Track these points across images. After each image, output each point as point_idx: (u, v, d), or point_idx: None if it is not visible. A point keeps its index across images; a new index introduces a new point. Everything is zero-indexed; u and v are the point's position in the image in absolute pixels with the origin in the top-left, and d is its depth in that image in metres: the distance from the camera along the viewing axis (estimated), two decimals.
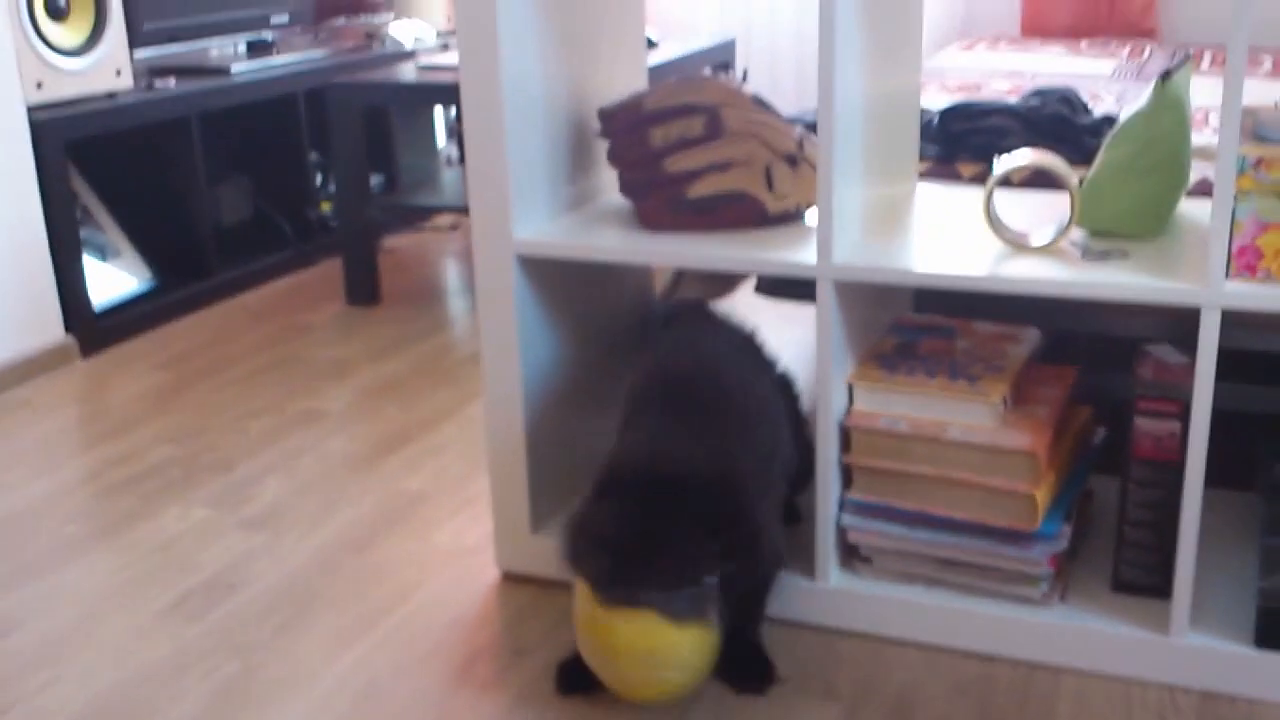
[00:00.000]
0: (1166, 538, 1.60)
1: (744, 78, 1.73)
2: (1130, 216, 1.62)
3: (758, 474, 1.55)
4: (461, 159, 4.11)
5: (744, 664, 1.60)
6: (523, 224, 1.71)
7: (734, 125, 1.71)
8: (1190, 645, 1.54)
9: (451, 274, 3.50)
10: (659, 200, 1.72)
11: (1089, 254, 1.56)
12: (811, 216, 1.77)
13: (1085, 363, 1.90)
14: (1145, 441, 1.58)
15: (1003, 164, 1.60)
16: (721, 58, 3.60)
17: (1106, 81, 3.11)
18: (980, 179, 2.01)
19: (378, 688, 1.62)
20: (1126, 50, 3.70)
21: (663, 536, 1.43)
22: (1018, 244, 1.58)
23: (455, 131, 4.08)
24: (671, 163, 1.71)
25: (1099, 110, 2.39)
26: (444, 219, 4.05)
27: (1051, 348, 1.95)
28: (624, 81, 1.96)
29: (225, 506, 2.14)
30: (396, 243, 3.82)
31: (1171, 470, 1.57)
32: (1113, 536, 1.78)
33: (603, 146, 1.91)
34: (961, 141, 2.08)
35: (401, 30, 3.90)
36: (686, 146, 1.71)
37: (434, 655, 1.68)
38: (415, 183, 3.69)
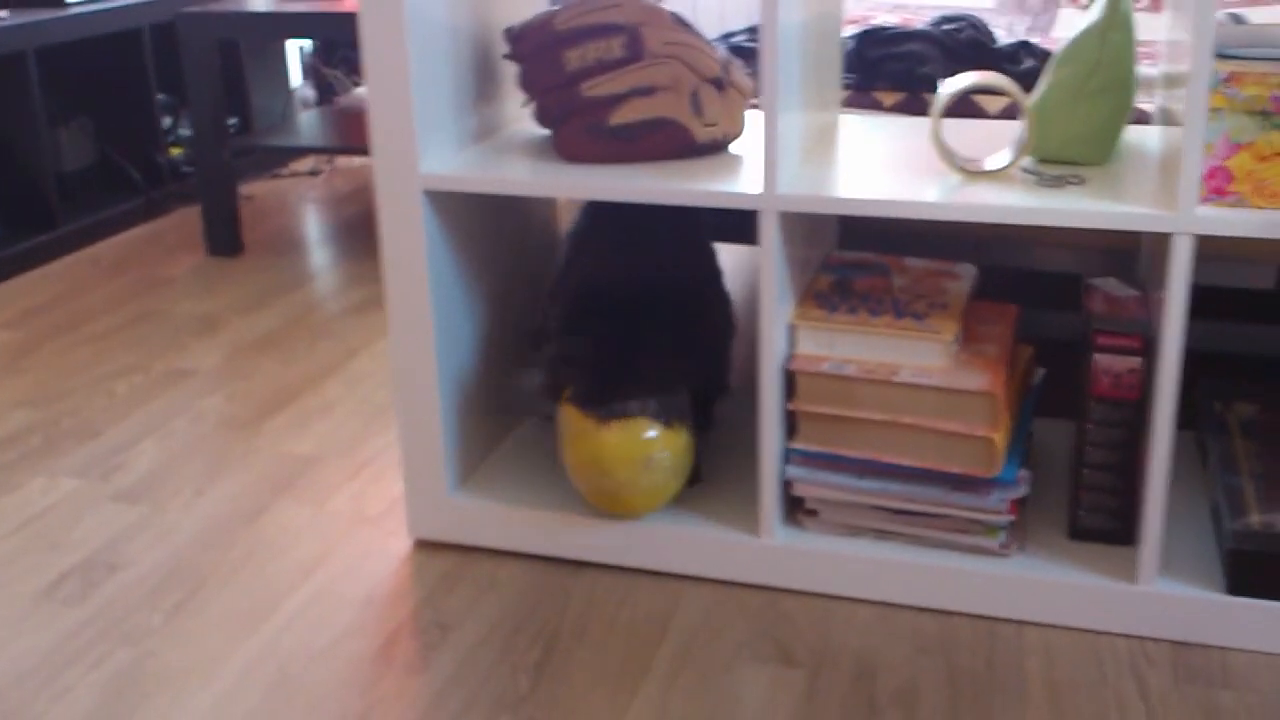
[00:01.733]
0: (1127, 481, 1.53)
1: None
2: (1080, 141, 1.53)
3: (714, 290, 1.70)
4: (320, 99, 3.89)
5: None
6: (429, 158, 1.56)
7: (654, 46, 1.58)
8: (1159, 593, 1.47)
9: (316, 222, 3.29)
10: (577, 128, 1.58)
11: (1044, 180, 1.47)
12: (738, 146, 1.65)
13: (1014, 300, 1.82)
14: (1104, 379, 1.50)
15: (949, 86, 1.50)
16: None
17: (991, 15, 3.04)
18: (904, 108, 1.91)
19: (290, 675, 1.47)
20: None
21: (643, 350, 1.57)
22: (971, 170, 1.48)
23: (311, 70, 3.86)
24: (589, 87, 1.57)
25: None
26: (303, 164, 3.83)
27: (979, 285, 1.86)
28: (527, 1, 1.80)
29: (95, 476, 1.94)
30: (254, 189, 3.59)
31: (1131, 408, 1.50)
32: (1060, 482, 1.71)
33: (508, 71, 1.76)
34: (878, 68, 1.97)
35: None
36: (605, 70, 1.57)
37: (349, 636, 1.54)
38: (270, 126, 3.47)
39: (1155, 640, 1.48)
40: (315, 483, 1.91)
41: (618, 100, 1.56)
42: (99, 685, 1.45)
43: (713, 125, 1.59)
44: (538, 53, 1.58)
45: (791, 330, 1.56)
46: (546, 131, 1.74)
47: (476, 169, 1.55)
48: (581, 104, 1.57)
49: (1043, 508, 1.65)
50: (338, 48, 4.08)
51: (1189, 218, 1.33)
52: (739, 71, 1.63)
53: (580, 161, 1.58)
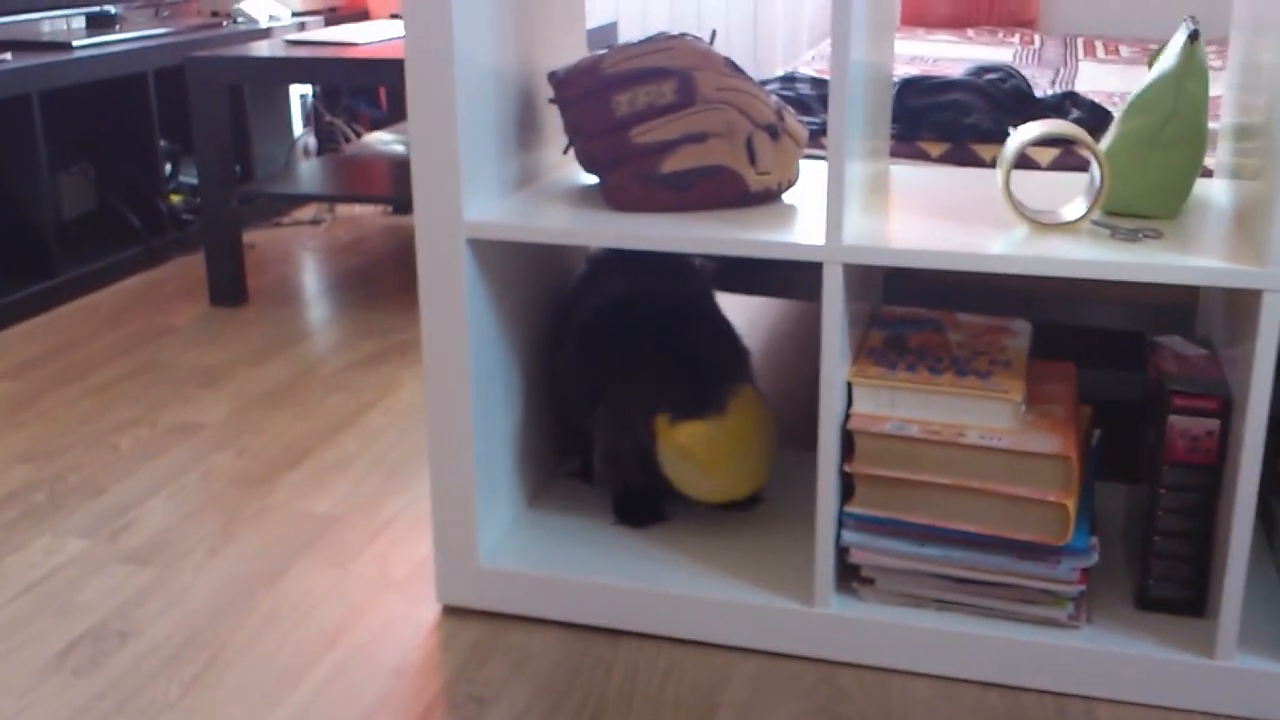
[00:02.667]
0: (1200, 549, 1.45)
1: (712, 39, 1.53)
2: (1152, 194, 1.47)
3: (717, 311, 1.74)
4: (320, 150, 3.82)
5: None
6: (472, 205, 1.49)
7: (707, 92, 1.51)
8: (1239, 668, 1.39)
9: (319, 271, 3.22)
10: (627, 175, 1.51)
11: (1119, 233, 1.40)
12: (791, 195, 1.58)
13: (1060, 357, 1.76)
14: (1180, 442, 1.43)
15: (1020, 135, 1.43)
16: (604, 41, 3.39)
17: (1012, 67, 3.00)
18: (950, 158, 1.85)
19: None
20: (1016, 38, 3.62)
21: (698, 336, 1.64)
22: (1043, 222, 1.41)
23: (312, 118, 3.79)
24: (639, 133, 1.51)
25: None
26: (304, 212, 3.76)
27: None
28: (568, 46, 1.74)
29: (102, 536, 1.85)
30: (255, 238, 3.51)
31: (1208, 473, 1.43)
32: (1117, 549, 1.63)
33: (547, 117, 1.69)
34: (922, 118, 1.91)
35: (255, 8, 3.59)
36: (656, 115, 1.51)
37: (380, 709, 1.44)
38: (272, 175, 3.39)
39: (1234, 718, 1.40)
40: (336, 543, 1.82)
41: (669, 147, 1.50)
42: None
43: (766, 174, 1.52)
44: (585, 97, 1.52)
45: (849, 388, 1.48)
46: (587, 179, 1.67)
47: (521, 217, 1.48)
48: (631, 150, 1.50)
49: (1103, 576, 1.57)
50: (341, 97, 4.02)
51: None
52: (793, 118, 1.56)
53: (630, 210, 1.51)
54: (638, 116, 1.51)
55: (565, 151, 1.63)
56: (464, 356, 1.51)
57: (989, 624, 1.47)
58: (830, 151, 1.35)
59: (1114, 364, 1.85)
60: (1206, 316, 1.66)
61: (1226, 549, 1.36)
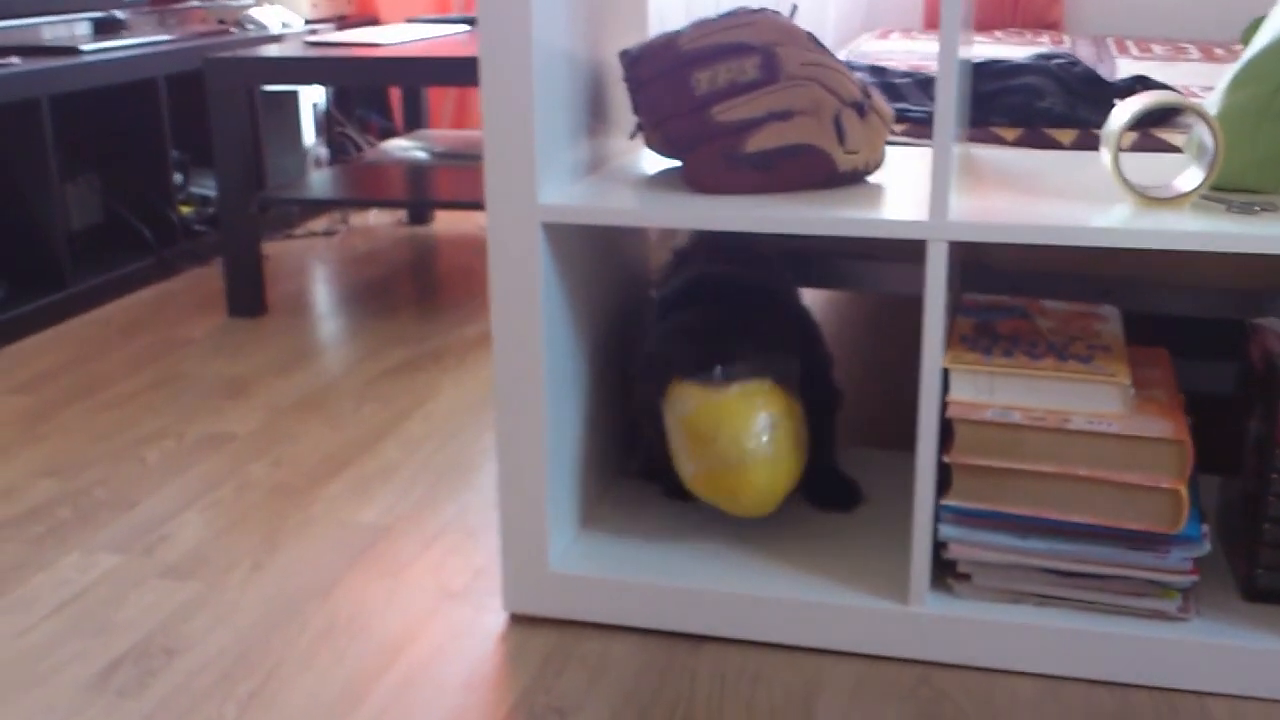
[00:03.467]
0: None
1: (792, 13, 1.45)
2: (1261, 167, 1.40)
3: (798, 298, 1.70)
4: (333, 159, 3.74)
5: (829, 486, 1.66)
6: (546, 189, 1.40)
7: (792, 68, 1.44)
8: None
9: (337, 282, 3.12)
10: (709, 155, 1.43)
11: (1234, 206, 1.33)
12: (877, 177, 1.50)
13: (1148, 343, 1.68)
14: None
15: (1127, 107, 1.36)
16: None
17: (1073, 54, 2.94)
18: (1025, 143, 1.77)
19: None
20: (1045, 39, 3.56)
21: (747, 326, 1.53)
22: (1154, 197, 1.34)
23: (325, 128, 3.71)
24: (721, 111, 1.43)
25: None
26: (318, 224, 3.67)
27: None
28: (632, 26, 1.66)
29: (137, 551, 1.75)
30: (269, 249, 3.42)
31: None
32: (1219, 541, 1.56)
33: (615, 101, 1.61)
34: (994, 102, 1.84)
35: (266, 15, 3.51)
36: (738, 93, 1.43)
37: None
38: (283, 185, 3.30)
39: None
40: (386, 554, 1.73)
41: (753, 125, 1.42)
42: None
43: (854, 153, 1.45)
44: (662, 76, 1.44)
45: (945, 375, 1.40)
46: (657, 164, 1.59)
47: (597, 200, 1.40)
48: (713, 129, 1.42)
49: (1204, 568, 1.50)
50: (353, 107, 3.94)
51: None
52: (879, 97, 1.49)
53: (714, 191, 1.43)
54: (719, 94, 1.43)
55: (632, 136, 1.56)
56: (537, 349, 1.43)
57: (1093, 619, 1.39)
58: (937, 126, 1.27)
59: (1197, 354, 1.77)
60: None
61: None
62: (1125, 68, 2.88)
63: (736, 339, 1.50)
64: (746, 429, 1.46)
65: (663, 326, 1.55)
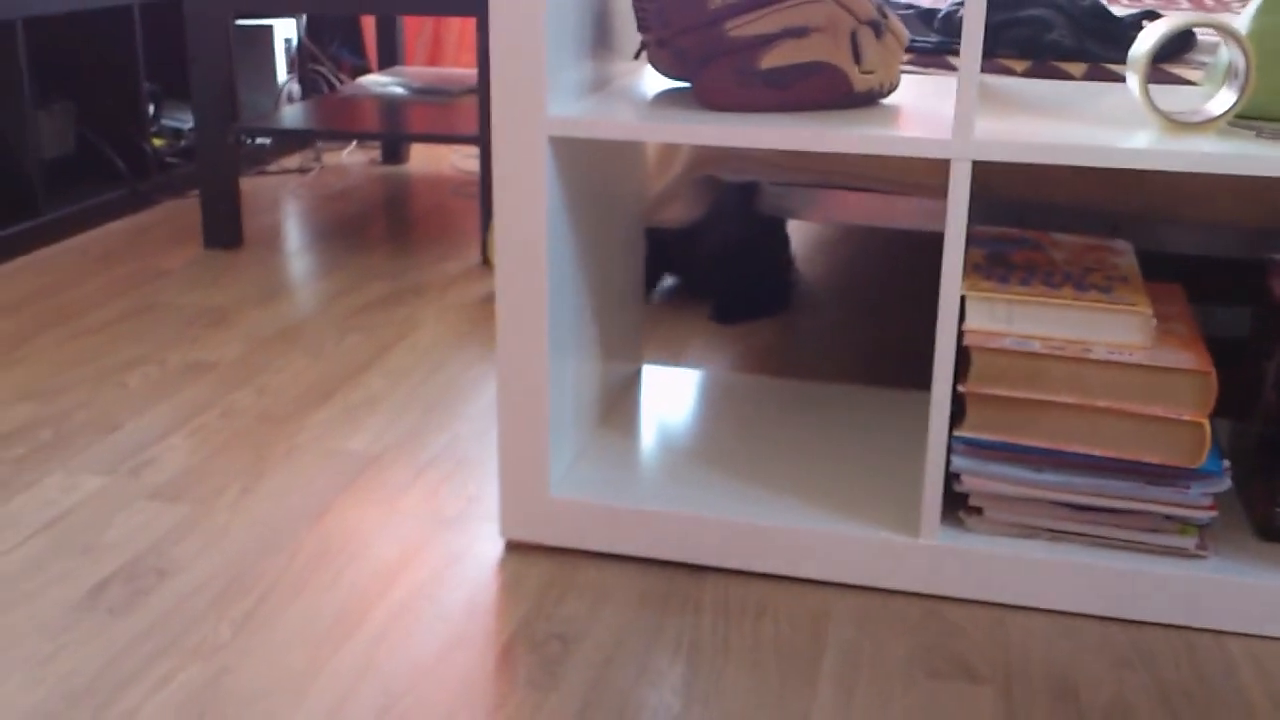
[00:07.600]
0: None
1: None
2: None
3: None
4: (304, 94, 3.66)
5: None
6: (555, 102, 1.36)
7: None
8: None
9: (312, 218, 3.06)
10: (722, 71, 1.39)
11: (1265, 132, 1.30)
12: (894, 99, 1.47)
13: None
14: None
15: (1157, 28, 1.33)
16: None
17: None
18: (1035, 75, 1.74)
19: (396, 695, 1.25)
20: None
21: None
22: (1178, 121, 1.31)
23: (297, 65, 3.63)
24: (734, 27, 1.39)
25: None
26: (291, 160, 3.60)
27: None
28: None
29: (122, 472, 1.71)
30: (242, 185, 3.35)
31: None
32: (1235, 481, 1.54)
33: (618, 19, 1.57)
34: (999, 35, 1.81)
35: None
36: (752, 8, 1.39)
37: (457, 650, 1.32)
38: (260, 117, 3.23)
39: None
40: (377, 481, 1.69)
41: (768, 41, 1.38)
42: (171, 707, 1.23)
43: (871, 73, 1.41)
44: None
45: (961, 302, 1.37)
46: (661, 84, 1.55)
47: (606, 115, 1.36)
48: (726, 45, 1.38)
49: (1218, 508, 1.48)
50: (326, 44, 3.87)
51: None
52: (894, 16, 1.45)
53: (726, 109, 1.39)
54: (732, 9, 1.39)
55: (637, 56, 1.52)
56: (541, 267, 1.39)
57: (1108, 555, 1.37)
58: (965, 40, 1.23)
59: (1205, 299, 1.76)
60: None
61: None
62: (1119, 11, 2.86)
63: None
64: None
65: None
